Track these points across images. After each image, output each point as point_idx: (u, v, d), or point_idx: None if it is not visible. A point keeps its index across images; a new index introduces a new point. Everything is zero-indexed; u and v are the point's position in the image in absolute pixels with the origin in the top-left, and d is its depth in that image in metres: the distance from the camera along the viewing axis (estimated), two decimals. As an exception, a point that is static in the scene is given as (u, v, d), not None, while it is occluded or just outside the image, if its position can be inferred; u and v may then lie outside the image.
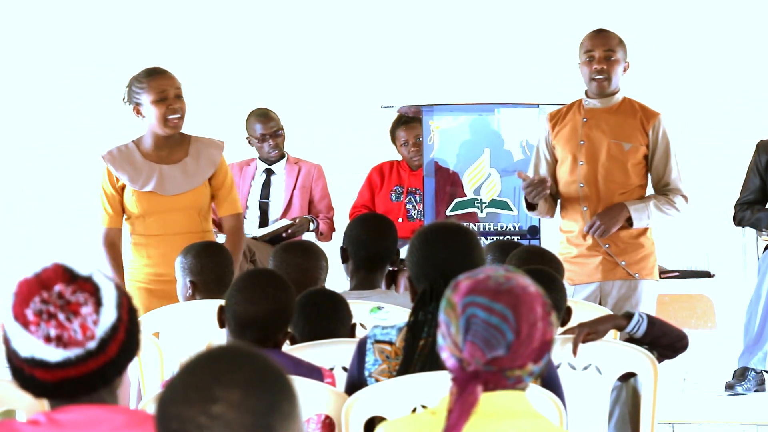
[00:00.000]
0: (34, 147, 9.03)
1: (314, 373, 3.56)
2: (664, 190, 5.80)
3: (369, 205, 7.39)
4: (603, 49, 5.74)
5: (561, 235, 5.88)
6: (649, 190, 5.87)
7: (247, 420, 1.92)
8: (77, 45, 8.98)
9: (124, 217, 5.64)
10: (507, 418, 2.43)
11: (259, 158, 7.47)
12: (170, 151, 5.58)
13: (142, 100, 5.50)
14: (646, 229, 5.79)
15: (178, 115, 5.50)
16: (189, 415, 1.92)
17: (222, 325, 3.67)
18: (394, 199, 7.44)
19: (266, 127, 7.36)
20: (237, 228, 5.72)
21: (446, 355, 2.46)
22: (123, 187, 5.58)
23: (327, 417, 3.50)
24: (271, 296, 3.59)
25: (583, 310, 4.90)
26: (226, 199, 5.65)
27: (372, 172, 7.52)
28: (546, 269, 4.17)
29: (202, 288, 4.92)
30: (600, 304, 5.71)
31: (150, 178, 5.53)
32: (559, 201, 5.88)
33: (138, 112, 5.54)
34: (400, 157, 7.51)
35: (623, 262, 5.72)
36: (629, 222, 5.71)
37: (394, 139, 7.48)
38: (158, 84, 5.48)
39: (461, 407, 2.38)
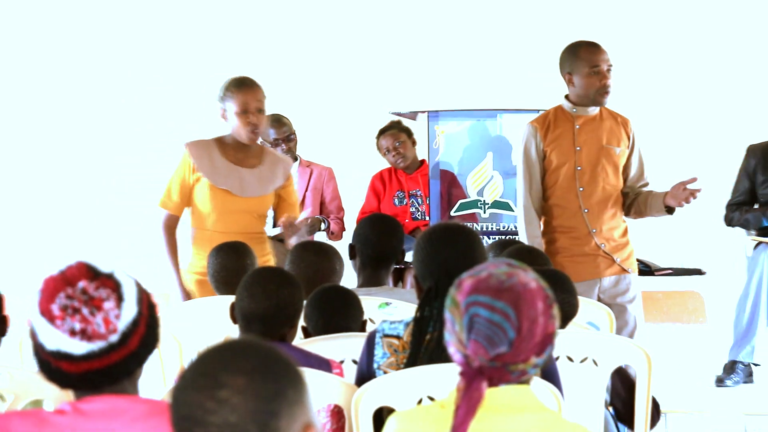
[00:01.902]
0: (45, 147, 9.04)
1: (323, 364, 3.57)
2: (645, 187, 5.87)
3: (376, 211, 7.39)
4: (607, 63, 5.75)
5: (558, 235, 5.87)
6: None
7: (251, 405, 1.93)
8: (87, 47, 8.99)
9: (188, 210, 5.64)
10: (514, 412, 2.42)
11: (273, 161, 7.48)
12: (246, 156, 5.62)
13: (228, 108, 5.55)
14: (627, 228, 5.86)
15: (256, 129, 5.54)
16: (197, 400, 1.93)
17: (235, 320, 3.68)
18: (397, 203, 7.45)
19: (279, 132, 7.37)
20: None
21: (453, 350, 2.45)
22: (198, 179, 5.58)
23: (336, 406, 3.50)
24: (273, 293, 3.59)
25: (585, 304, 4.90)
26: (291, 209, 5.70)
27: (373, 180, 7.54)
28: (559, 272, 4.17)
29: (215, 285, 4.95)
30: (598, 298, 5.75)
31: (228, 177, 5.55)
32: (549, 201, 5.88)
33: (224, 116, 5.58)
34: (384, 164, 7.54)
35: (618, 259, 5.77)
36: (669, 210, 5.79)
37: (380, 151, 7.50)
38: (242, 97, 5.52)
39: (467, 404, 2.38)
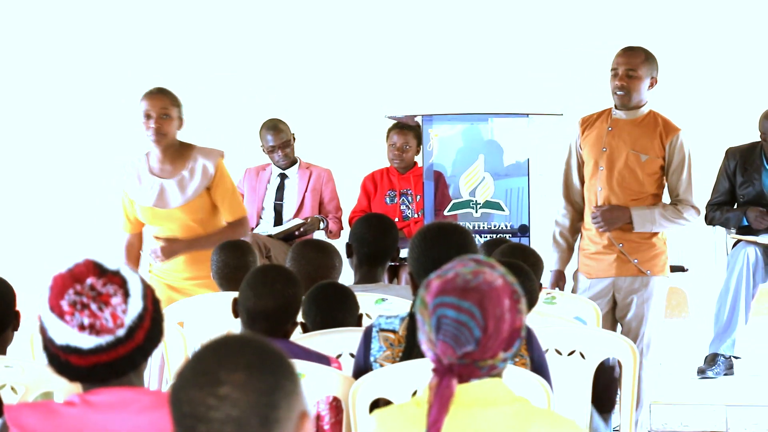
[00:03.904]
0: (48, 146, 9.03)
1: (323, 360, 3.56)
2: (675, 201, 5.74)
3: (366, 210, 7.36)
4: (625, 67, 5.66)
5: (583, 232, 5.86)
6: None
7: (251, 399, 1.92)
8: (87, 48, 8.97)
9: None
10: (487, 405, 2.41)
11: (274, 163, 7.47)
12: (171, 164, 5.61)
13: (140, 117, 5.56)
14: (657, 232, 5.74)
15: (156, 134, 5.52)
16: (198, 398, 1.92)
17: (236, 315, 3.67)
18: (388, 202, 7.44)
19: (276, 139, 7.36)
20: (234, 223, 5.66)
21: (425, 348, 2.44)
22: (133, 200, 5.63)
23: (335, 399, 3.49)
24: (279, 292, 3.58)
25: (573, 300, 4.90)
26: (224, 206, 5.63)
27: (365, 180, 7.52)
28: (517, 262, 4.14)
29: (219, 282, 4.95)
30: (613, 296, 5.70)
31: (150, 193, 5.57)
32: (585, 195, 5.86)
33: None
34: (387, 164, 7.52)
35: (635, 260, 5.68)
36: (631, 225, 5.67)
37: (387, 140, 7.46)
38: (145, 104, 5.57)
39: (440, 401, 2.36)
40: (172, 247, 5.51)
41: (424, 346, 2.43)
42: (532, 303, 4.08)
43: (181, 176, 5.56)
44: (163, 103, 5.54)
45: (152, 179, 5.57)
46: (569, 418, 2.47)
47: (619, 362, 4.06)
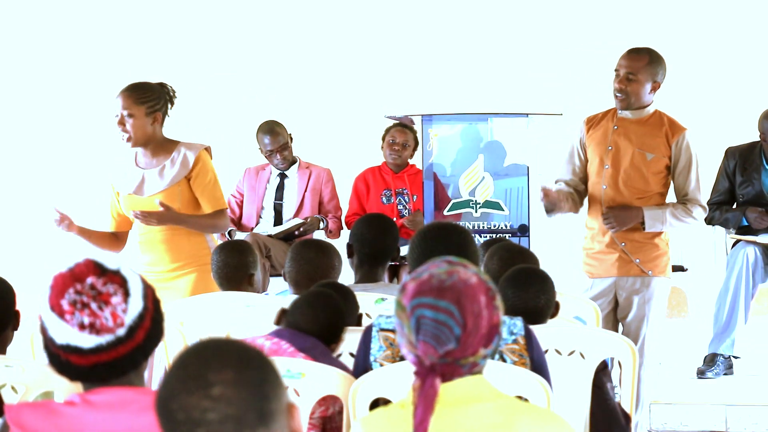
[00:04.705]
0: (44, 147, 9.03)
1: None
2: (684, 200, 5.70)
3: (360, 213, 7.35)
4: (626, 70, 5.63)
5: (585, 231, 5.84)
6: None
7: (244, 394, 1.93)
8: (99, 54, 8.97)
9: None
10: (470, 403, 2.42)
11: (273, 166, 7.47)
12: (155, 158, 5.56)
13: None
14: (661, 232, 5.71)
15: (122, 135, 5.44)
16: (192, 403, 1.93)
17: (278, 323, 3.73)
18: (385, 201, 7.44)
19: (273, 143, 7.35)
20: (214, 214, 5.56)
21: (405, 351, 2.45)
22: (118, 193, 5.64)
23: (333, 398, 3.50)
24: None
25: (573, 302, 4.89)
26: (204, 197, 5.55)
27: (356, 182, 7.52)
28: (538, 268, 4.13)
29: (219, 281, 4.95)
30: (615, 296, 5.68)
31: (132, 183, 5.55)
32: (586, 199, 5.83)
33: None
34: (380, 162, 7.52)
35: (637, 260, 5.65)
36: (642, 225, 5.66)
37: (384, 137, 7.47)
38: (115, 104, 5.45)
39: (424, 402, 2.37)
40: (168, 214, 5.46)
41: (404, 349, 2.44)
42: (551, 310, 4.03)
43: (163, 166, 5.54)
44: (125, 104, 5.43)
45: (136, 170, 5.56)
46: (558, 414, 2.47)
47: (619, 362, 4.05)
